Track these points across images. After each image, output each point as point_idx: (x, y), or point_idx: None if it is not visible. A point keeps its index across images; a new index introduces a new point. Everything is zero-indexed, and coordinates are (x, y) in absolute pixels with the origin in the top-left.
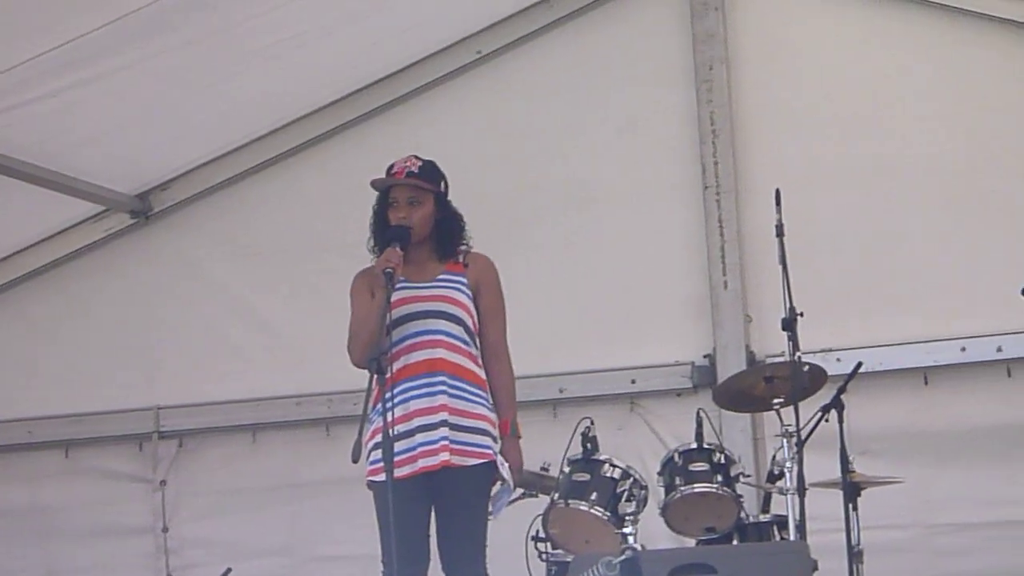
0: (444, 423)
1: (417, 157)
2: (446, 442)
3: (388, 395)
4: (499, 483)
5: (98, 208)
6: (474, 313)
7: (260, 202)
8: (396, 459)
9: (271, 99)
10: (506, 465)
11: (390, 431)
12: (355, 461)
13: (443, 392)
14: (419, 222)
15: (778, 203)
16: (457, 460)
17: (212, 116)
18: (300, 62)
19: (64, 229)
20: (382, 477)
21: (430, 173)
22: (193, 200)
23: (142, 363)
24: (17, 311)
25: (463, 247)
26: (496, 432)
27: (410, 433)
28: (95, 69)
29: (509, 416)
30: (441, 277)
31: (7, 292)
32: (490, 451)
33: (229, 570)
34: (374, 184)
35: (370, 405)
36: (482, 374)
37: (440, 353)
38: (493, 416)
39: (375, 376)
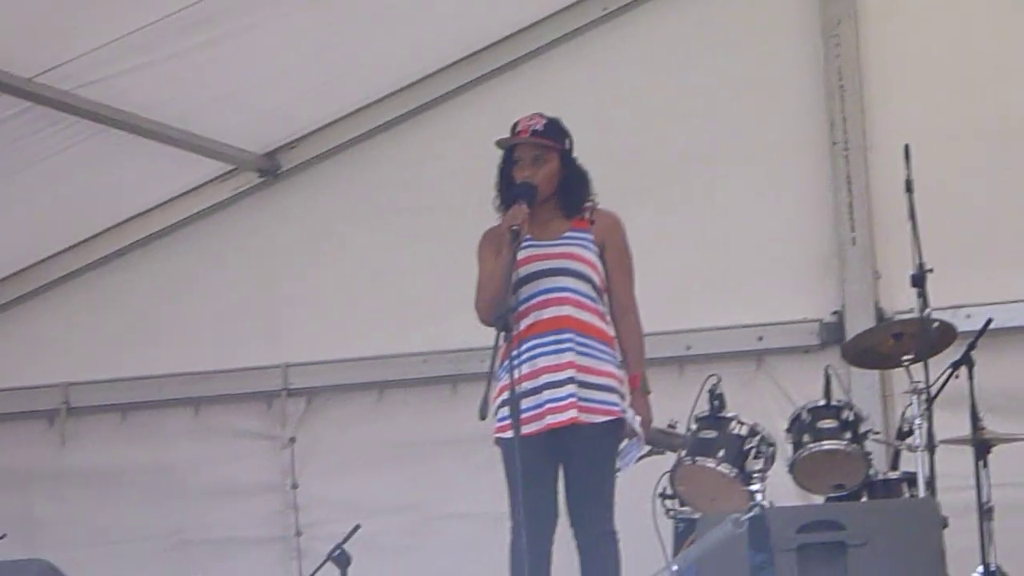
0: (571, 380)
1: (541, 115)
2: (574, 399)
3: (515, 352)
4: (628, 438)
5: (226, 167)
6: (601, 270)
7: (387, 160)
8: (523, 416)
9: (397, 58)
10: (637, 419)
11: (516, 387)
12: (482, 418)
13: (571, 349)
14: (544, 180)
15: (907, 158)
16: (585, 417)
17: (340, 74)
18: (426, 20)
19: (193, 188)
20: (510, 434)
21: (555, 130)
22: (321, 159)
23: (270, 321)
24: (147, 270)
25: (589, 204)
26: (624, 389)
27: (537, 390)
28: (223, 28)
29: (639, 372)
30: (567, 234)
31: (137, 251)
32: (617, 408)
33: (358, 527)
34: (499, 143)
35: (497, 362)
36: (610, 331)
37: (567, 310)
38: (621, 373)
39: (502, 333)
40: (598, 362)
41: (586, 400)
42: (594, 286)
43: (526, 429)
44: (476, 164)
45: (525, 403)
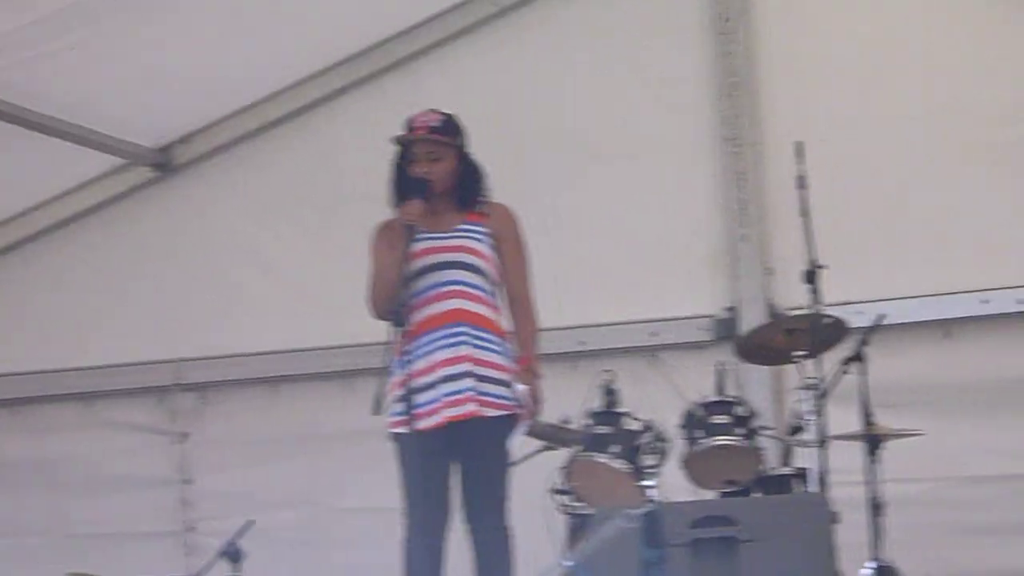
0: (469, 374)
1: (437, 111)
2: (472, 392)
3: (410, 346)
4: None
5: (120, 161)
6: (496, 263)
7: (281, 155)
8: (419, 410)
9: (293, 52)
10: (522, 387)
11: (411, 382)
12: (376, 413)
13: (465, 343)
14: (440, 176)
15: (799, 155)
16: (482, 411)
17: (234, 69)
18: (321, 15)
19: (85, 182)
20: (404, 428)
21: (450, 127)
22: (215, 153)
23: (163, 316)
24: (38, 264)
25: (484, 198)
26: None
27: (433, 384)
28: (117, 21)
29: (528, 355)
30: (461, 227)
31: (28, 245)
32: (511, 403)
33: (251, 522)
34: (395, 139)
35: (391, 357)
36: (504, 325)
37: (461, 304)
38: (515, 368)
39: (396, 328)
40: (493, 355)
41: (483, 394)
42: (488, 279)
43: (422, 423)
44: (371, 159)
45: (421, 397)
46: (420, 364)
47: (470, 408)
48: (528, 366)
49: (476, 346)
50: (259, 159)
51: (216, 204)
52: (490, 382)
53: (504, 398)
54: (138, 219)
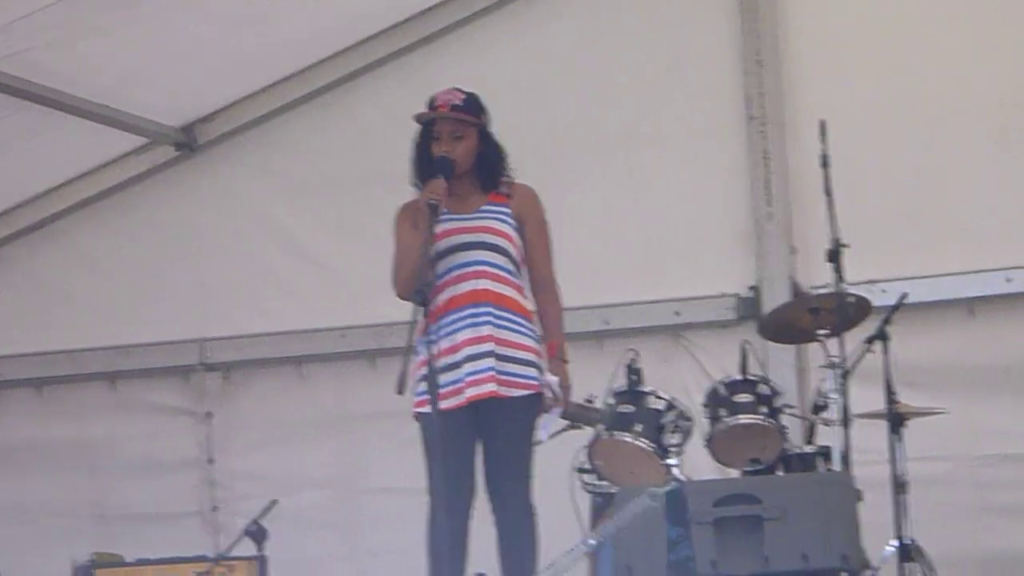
0: (491, 353)
1: (459, 89)
2: (492, 372)
3: (434, 325)
4: (548, 409)
5: (143, 140)
6: (519, 243)
7: (305, 134)
8: (443, 390)
9: (317, 31)
10: (555, 380)
11: (435, 362)
12: (400, 393)
13: (489, 323)
14: (462, 155)
15: (823, 134)
16: (503, 391)
17: (258, 48)
18: None
19: (110, 161)
20: (428, 408)
21: (473, 106)
22: (238, 132)
23: (188, 295)
24: (64, 243)
25: (506, 179)
26: (542, 363)
27: (457, 364)
28: (141, 2)
29: (556, 340)
30: (484, 208)
31: (54, 224)
32: (536, 382)
33: (275, 502)
34: (417, 117)
35: (415, 337)
36: (529, 305)
37: (485, 284)
38: (539, 347)
39: (420, 308)
40: (516, 335)
41: (505, 374)
42: (512, 259)
43: (446, 403)
44: (396, 138)
45: (445, 377)
46: (444, 344)
47: (491, 387)
48: (557, 351)
49: (499, 326)
50: (282, 138)
51: (239, 183)
52: (512, 362)
53: (527, 377)
54: (162, 198)
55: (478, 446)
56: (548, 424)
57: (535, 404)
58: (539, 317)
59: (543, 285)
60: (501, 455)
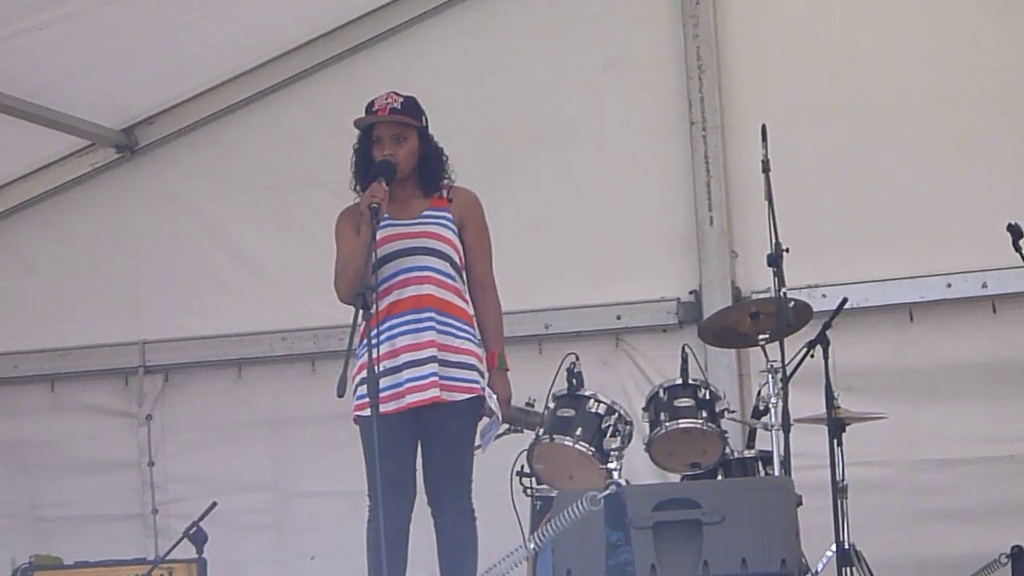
0: (433, 359)
1: (397, 93)
2: (435, 378)
3: (374, 331)
4: (487, 417)
5: (84, 142)
6: (460, 248)
7: (246, 137)
8: (383, 395)
9: (257, 34)
10: (494, 397)
11: (376, 367)
12: (340, 396)
13: (431, 328)
14: (404, 158)
15: (764, 139)
16: (446, 395)
17: (198, 51)
18: None
19: (50, 163)
20: (368, 412)
21: (412, 109)
22: (179, 135)
23: (128, 298)
24: (3, 245)
25: (446, 182)
26: (483, 367)
27: (397, 369)
28: (81, 2)
29: (497, 349)
30: (426, 213)
31: None
32: (478, 385)
33: (214, 504)
34: (357, 122)
35: (356, 340)
36: (469, 309)
37: (428, 289)
38: (480, 351)
39: (361, 311)
40: (458, 340)
41: (447, 379)
42: (453, 264)
43: (385, 407)
44: (335, 142)
45: (385, 382)
46: (384, 348)
47: (433, 393)
48: (497, 361)
49: (442, 331)
50: (223, 141)
51: (179, 186)
52: (454, 366)
53: (468, 381)
54: (102, 200)
55: (417, 450)
56: (487, 435)
57: (476, 408)
58: (478, 322)
59: (482, 288)
60: (441, 459)
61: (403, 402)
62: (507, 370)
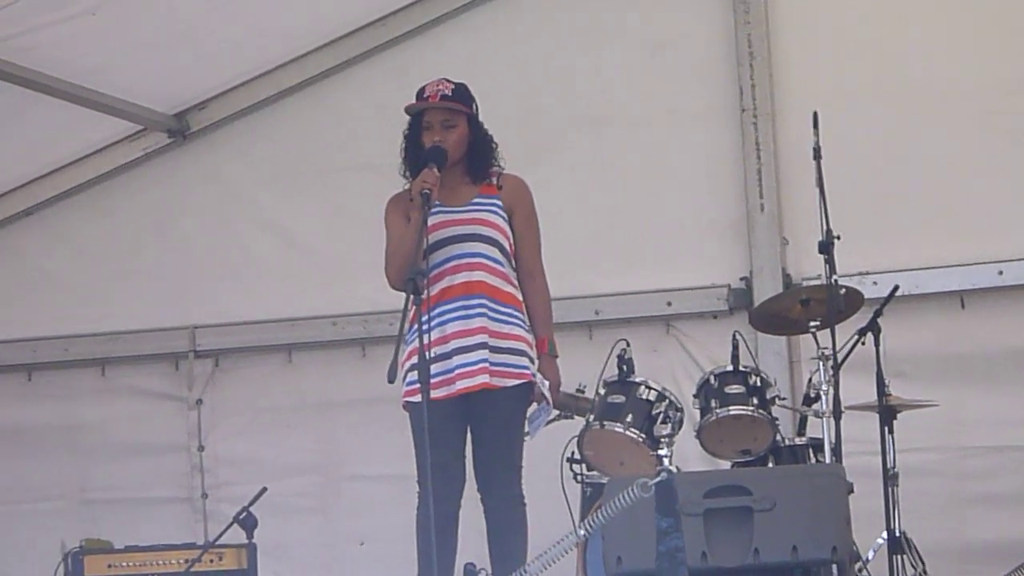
0: (483, 345)
1: (448, 80)
2: (485, 364)
3: (425, 317)
4: (536, 403)
5: (136, 127)
6: (509, 234)
7: (297, 122)
8: (433, 380)
9: (309, 20)
10: (546, 383)
11: (426, 352)
12: (391, 382)
13: (482, 314)
14: (454, 144)
15: (815, 125)
16: (496, 381)
17: (250, 36)
18: None
19: (102, 148)
20: (418, 398)
21: (463, 95)
22: (230, 120)
23: (178, 282)
24: (54, 229)
25: (495, 169)
26: (533, 352)
27: (447, 355)
28: None
29: (546, 335)
30: (476, 200)
31: (44, 210)
32: (528, 371)
33: (264, 489)
34: (408, 109)
35: (406, 326)
36: (518, 295)
37: (479, 276)
38: (530, 337)
39: (412, 297)
40: (508, 326)
41: (497, 364)
42: (503, 251)
43: (435, 393)
44: (385, 127)
45: (435, 368)
46: (435, 334)
47: (483, 379)
48: (547, 347)
49: (493, 318)
50: (274, 126)
51: (230, 171)
52: (504, 352)
53: (518, 367)
54: (154, 185)
55: (467, 435)
56: (536, 422)
57: (526, 393)
58: (527, 309)
59: (531, 275)
60: (491, 444)
61: (453, 388)
62: (557, 356)
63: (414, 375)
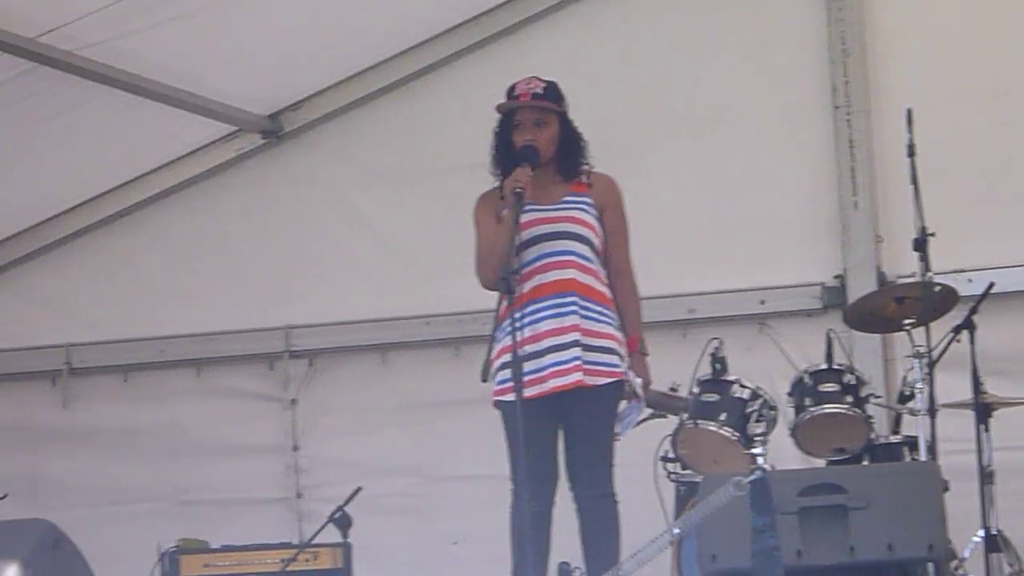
0: (576, 343)
1: (539, 78)
2: (579, 362)
3: (518, 314)
4: (627, 401)
5: (230, 128)
6: (601, 233)
7: (390, 123)
8: (525, 379)
9: (402, 19)
10: (637, 381)
11: (519, 350)
12: (484, 380)
13: (575, 312)
14: (545, 143)
15: (909, 123)
16: (588, 379)
17: (343, 36)
18: None
19: (196, 149)
20: (510, 397)
21: (554, 94)
22: (324, 120)
23: (273, 283)
24: (149, 230)
25: (586, 167)
26: (623, 350)
27: (540, 353)
28: None
29: (637, 333)
30: (567, 198)
31: (140, 211)
32: (620, 369)
33: (359, 489)
34: (500, 107)
35: (499, 325)
36: (609, 293)
37: (571, 274)
38: (620, 335)
39: (505, 295)
40: (600, 325)
41: (589, 363)
42: (594, 249)
43: (528, 392)
44: (479, 127)
45: (528, 366)
46: (527, 332)
47: (576, 377)
48: (639, 346)
49: (585, 316)
50: (367, 127)
51: (325, 171)
52: (597, 351)
53: (610, 365)
54: (248, 186)
55: (559, 433)
56: (627, 420)
57: (617, 391)
58: (618, 307)
59: (621, 274)
60: (583, 442)
61: (546, 387)
62: (647, 355)
63: (506, 373)
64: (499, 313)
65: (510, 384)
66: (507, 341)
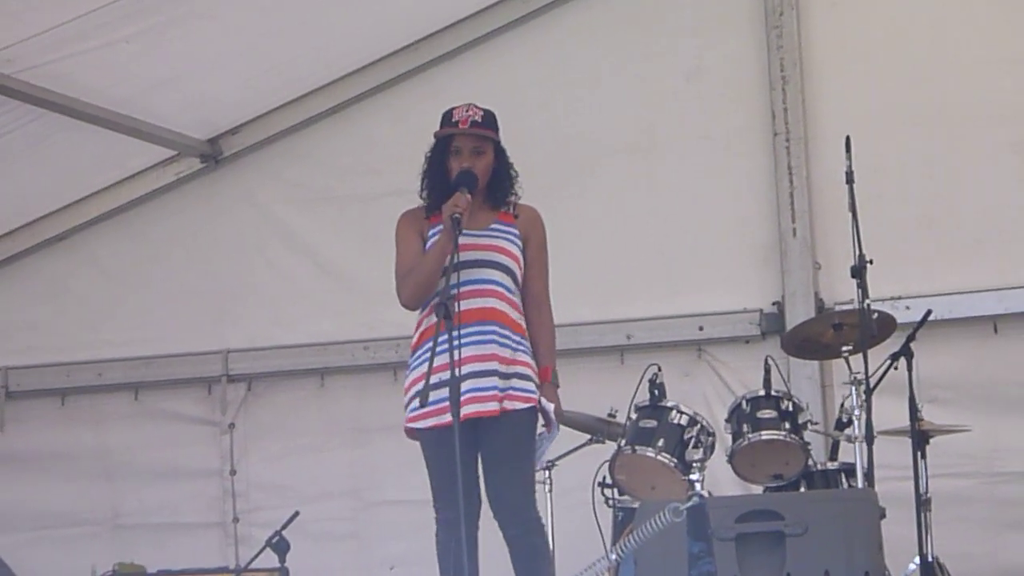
0: (495, 372)
1: (476, 106)
2: (496, 391)
3: (443, 337)
4: (540, 430)
5: (169, 152)
6: (522, 263)
7: (328, 147)
8: (440, 405)
9: (340, 45)
10: (550, 405)
11: (456, 370)
12: (423, 405)
13: (493, 341)
14: (482, 170)
15: (848, 150)
16: (507, 404)
17: (282, 62)
18: (369, 7)
19: (135, 173)
20: (423, 423)
21: (491, 122)
22: (263, 145)
23: (211, 307)
24: (88, 254)
25: (512, 198)
26: (537, 379)
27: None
28: (166, 15)
29: (550, 364)
30: (494, 227)
31: (78, 235)
32: (534, 395)
33: (297, 513)
34: (437, 134)
35: (410, 352)
36: (523, 322)
37: (492, 303)
38: (533, 363)
39: (432, 318)
40: (517, 353)
41: (506, 390)
42: (515, 279)
43: (444, 419)
44: (416, 151)
45: (442, 392)
46: (445, 358)
47: (494, 406)
48: (551, 377)
49: (503, 345)
50: (306, 151)
51: (263, 195)
52: (514, 377)
53: (526, 391)
54: (186, 210)
55: (478, 460)
56: (540, 450)
57: (534, 417)
58: (532, 338)
59: (538, 304)
60: (504, 467)
61: (464, 411)
62: (558, 386)
63: (417, 402)
64: (413, 341)
65: (423, 411)
66: (422, 369)
